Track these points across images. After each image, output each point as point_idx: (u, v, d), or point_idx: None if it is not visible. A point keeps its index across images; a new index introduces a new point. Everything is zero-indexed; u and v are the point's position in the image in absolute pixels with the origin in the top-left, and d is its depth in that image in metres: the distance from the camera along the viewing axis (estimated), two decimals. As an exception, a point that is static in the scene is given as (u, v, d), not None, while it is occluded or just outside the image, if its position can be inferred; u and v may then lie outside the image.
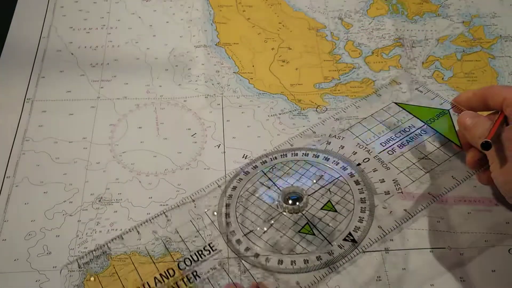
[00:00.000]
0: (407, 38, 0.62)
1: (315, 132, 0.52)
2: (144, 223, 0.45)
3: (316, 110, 0.55)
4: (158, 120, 0.54)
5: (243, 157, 0.50)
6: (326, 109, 0.55)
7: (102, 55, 0.59)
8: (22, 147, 0.51)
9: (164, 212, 0.46)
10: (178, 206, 0.47)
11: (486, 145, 0.41)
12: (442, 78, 0.58)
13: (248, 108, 0.55)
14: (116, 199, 0.48)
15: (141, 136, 0.52)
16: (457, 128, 0.48)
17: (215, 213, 0.46)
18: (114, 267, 0.43)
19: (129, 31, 0.62)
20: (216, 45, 0.60)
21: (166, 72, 0.58)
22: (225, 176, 0.49)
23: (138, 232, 0.45)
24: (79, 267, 0.43)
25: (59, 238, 0.45)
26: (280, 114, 0.54)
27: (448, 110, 0.51)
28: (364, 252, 0.44)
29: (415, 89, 0.54)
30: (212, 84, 0.57)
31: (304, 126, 0.53)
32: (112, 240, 0.44)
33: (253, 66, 0.59)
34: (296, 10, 0.65)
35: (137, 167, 0.50)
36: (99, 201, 0.47)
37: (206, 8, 0.64)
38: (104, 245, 0.44)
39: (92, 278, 0.42)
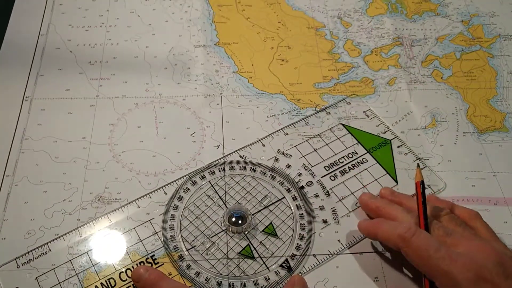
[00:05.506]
0: (406, 37, 0.62)
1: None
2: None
3: (315, 110, 0.55)
4: (157, 119, 0.54)
5: (241, 157, 0.50)
6: (325, 108, 0.55)
7: (101, 53, 0.59)
8: (21, 145, 0.51)
9: (107, 215, 0.46)
10: (122, 210, 0.46)
11: None
12: (441, 77, 0.58)
13: (247, 109, 0.55)
14: (116, 199, 0.48)
15: (140, 136, 0.52)
16: (396, 161, 0.49)
17: (160, 223, 0.46)
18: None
19: (128, 29, 0.62)
20: (215, 44, 0.60)
21: (165, 70, 0.58)
22: (173, 183, 0.48)
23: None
24: (17, 267, 0.43)
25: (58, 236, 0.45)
26: (279, 114, 0.54)
27: (390, 140, 0.51)
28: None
29: (363, 112, 0.54)
30: (212, 84, 0.57)
31: (302, 126, 0.53)
32: (53, 240, 0.45)
33: (252, 65, 0.59)
34: (295, 9, 0.64)
35: (136, 167, 0.50)
36: (98, 200, 0.47)
37: (205, 7, 0.64)
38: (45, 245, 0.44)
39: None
